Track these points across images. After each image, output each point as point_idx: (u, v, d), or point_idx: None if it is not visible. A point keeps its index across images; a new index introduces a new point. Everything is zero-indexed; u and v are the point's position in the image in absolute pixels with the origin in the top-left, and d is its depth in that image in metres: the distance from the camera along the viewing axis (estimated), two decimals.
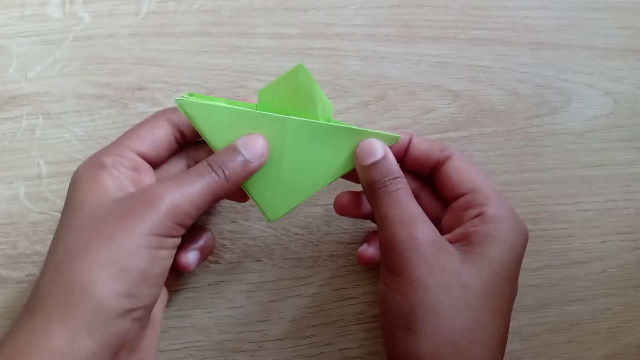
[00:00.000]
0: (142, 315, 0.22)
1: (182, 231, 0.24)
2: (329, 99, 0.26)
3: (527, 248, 0.34)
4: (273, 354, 0.32)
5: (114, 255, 0.21)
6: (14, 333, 0.21)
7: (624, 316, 0.35)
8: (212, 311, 0.32)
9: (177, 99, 0.25)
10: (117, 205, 0.23)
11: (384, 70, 0.34)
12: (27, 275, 0.31)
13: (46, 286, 0.22)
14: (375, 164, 0.25)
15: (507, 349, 0.33)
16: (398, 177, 0.25)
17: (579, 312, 0.35)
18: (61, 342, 0.20)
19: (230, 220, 0.32)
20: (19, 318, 0.22)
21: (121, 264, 0.21)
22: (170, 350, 0.31)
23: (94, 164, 0.24)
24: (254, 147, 0.25)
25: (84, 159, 0.31)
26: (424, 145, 0.28)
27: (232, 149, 0.25)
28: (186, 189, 0.23)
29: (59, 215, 0.32)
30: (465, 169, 0.27)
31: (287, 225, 0.33)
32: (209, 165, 0.24)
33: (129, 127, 0.31)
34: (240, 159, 0.25)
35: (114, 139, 0.31)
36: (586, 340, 0.34)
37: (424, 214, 0.25)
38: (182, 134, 0.27)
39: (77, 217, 0.23)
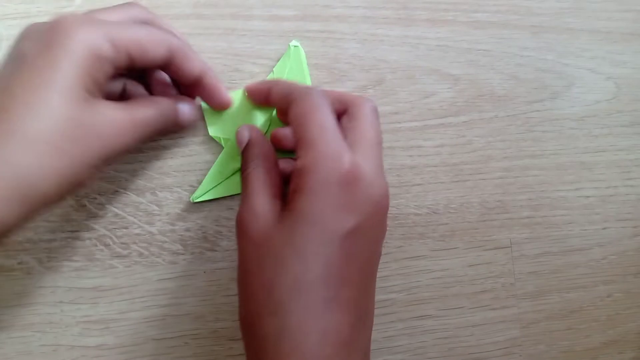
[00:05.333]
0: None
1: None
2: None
3: (526, 235, 0.34)
4: None
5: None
6: None
7: (623, 303, 0.35)
8: (208, 299, 0.31)
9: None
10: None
11: (382, 53, 0.33)
12: (19, 263, 0.30)
13: None
14: (242, 153, 0.28)
15: (506, 337, 0.33)
16: (251, 161, 0.27)
17: (578, 299, 0.34)
18: None
19: (226, 207, 0.31)
20: None
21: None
22: (166, 338, 0.31)
23: (91, 42, 0.23)
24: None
25: None
26: (279, 91, 0.28)
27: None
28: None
29: None
30: (300, 115, 0.25)
31: None
32: None
33: None
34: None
35: None
36: (586, 327, 0.34)
37: (259, 190, 0.26)
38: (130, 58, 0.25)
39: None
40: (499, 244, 0.34)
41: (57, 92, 0.22)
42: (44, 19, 0.31)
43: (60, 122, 0.22)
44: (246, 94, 0.31)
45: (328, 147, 0.24)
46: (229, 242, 0.31)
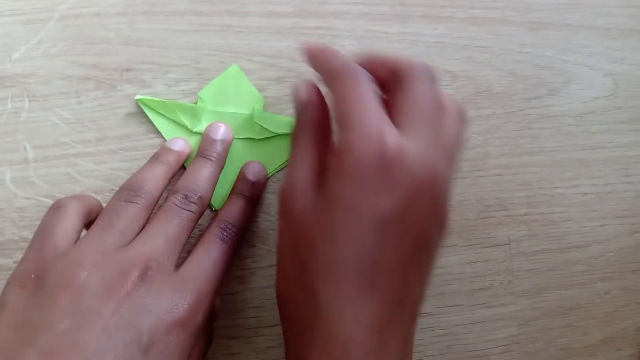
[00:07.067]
0: None
1: None
2: (260, 93, 0.32)
3: (524, 232, 0.34)
4: (268, 340, 0.31)
5: None
6: None
7: (621, 300, 0.35)
8: None
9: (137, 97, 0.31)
10: None
11: (379, 50, 0.33)
12: (14, 262, 0.30)
13: None
14: (296, 113, 0.27)
15: (504, 334, 0.33)
16: (302, 129, 0.26)
17: (576, 297, 0.34)
18: None
19: None
20: None
21: None
22: None
23: None
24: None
25: (72, 143, 0.31)
26: (319, 65, 0.26)
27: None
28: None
29: (47, 200, 0.31)
30: (339, 94, 0.24)
31: None
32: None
33: (117, 110, 0.31)
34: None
35: (102, 122, 0.31)
36: (584, 324, 0.34)
37: (304, 165, 0.25)
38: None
39: None
40: (497, 241, 0.34)
41: None
42: (40, 15, 0.31)
43: None
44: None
45: (366, 126, 0.22)
46: None
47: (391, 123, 0.23)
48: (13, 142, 0.30)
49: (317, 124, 0.26)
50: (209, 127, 0.30)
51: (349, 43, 0.33)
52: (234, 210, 0.29)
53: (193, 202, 0.27)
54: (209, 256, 0.26)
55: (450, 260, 0.33)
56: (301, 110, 0.26)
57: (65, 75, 0.31)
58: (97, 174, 0.31)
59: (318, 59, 0.26)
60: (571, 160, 0.35)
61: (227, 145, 0.30)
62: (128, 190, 0.26)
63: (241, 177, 0.30)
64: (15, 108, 0.31)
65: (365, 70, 0.24)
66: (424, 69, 0.24)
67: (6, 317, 0.22)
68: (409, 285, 0.24)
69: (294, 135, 0.26)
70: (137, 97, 0.31)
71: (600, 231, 0.35)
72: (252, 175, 0.30)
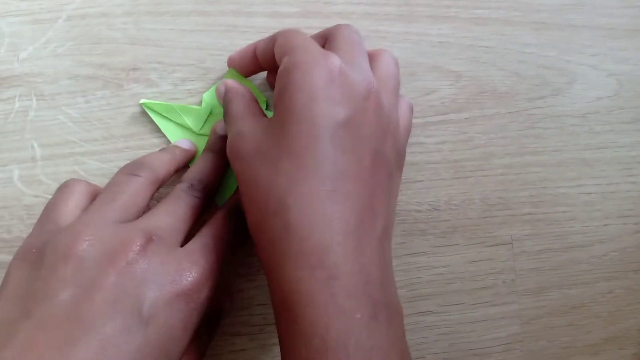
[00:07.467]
0: None
1: None
2: (263, 92, 0.32)
3: (527, 232, 0.34)
4: (273, 337, 0.32)
5: None
6: None
7: (624, 299, 0.35)
8: None
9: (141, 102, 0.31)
10: None
11: None
12: None
13: None
14: (223, 101, 0.29)
15: (507, 332, 0.33)
16: (231, 100, 0.28)
17: (579, 296, 0.34)
18: None
19: None
20: None
21: None
22: None
23: None
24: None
25: (79, 141, 0.31)
26: (263, 44, 0.29)
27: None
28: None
29: None
30: (282, 42, 0.27)
31: None
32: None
33: (124, 109, 0.31)
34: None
35: (109, 120, 0.31)
36: (587, 323, 0.34)
37: (242, 115, 0.26)
38: None
39: None
40: (500, 240, 0.34)
41: None
42: (47, 15, 0.31)
43: None
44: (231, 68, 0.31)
45: (311, 49, 0.25)
46: None
47: None
48: (21, 140, 0.31)
49: (243, 97, 0.27)
50: (217, 124, 0.30)
51: None
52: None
53: (198, 190, 0.27)
54: (214, 234, 0.26)
55: (454, 259, 0.33)
56: (224, 97, 0.28)
57: (73, 74, 0.31)
58: (104, 172, 0.31)
59: (259, 44, 0.29)
60: (575, 160, 0.35)
61: None
62: (132, 166, 0.26)
63: None
64: (23, 107, 0.31)
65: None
66: (347, 25, 0.28)
67: (8, 290, 0.22)
68: (377, 196, 0.24)
69: (224, 113, 0.27)
70: (142, 101, 0.31)
71: (604, 231, 0.35)
72: None
